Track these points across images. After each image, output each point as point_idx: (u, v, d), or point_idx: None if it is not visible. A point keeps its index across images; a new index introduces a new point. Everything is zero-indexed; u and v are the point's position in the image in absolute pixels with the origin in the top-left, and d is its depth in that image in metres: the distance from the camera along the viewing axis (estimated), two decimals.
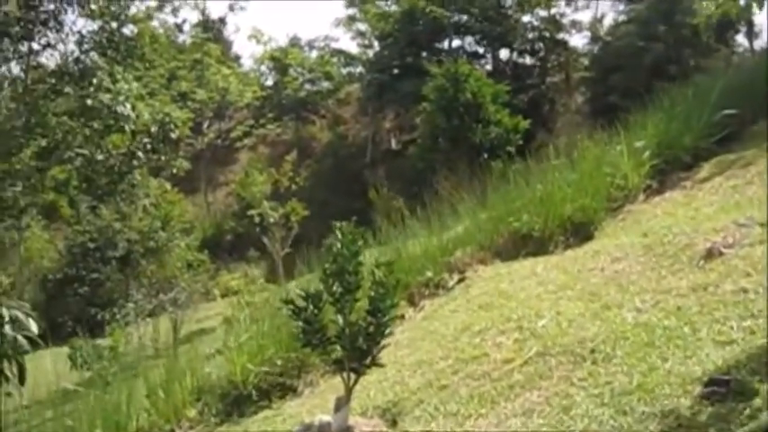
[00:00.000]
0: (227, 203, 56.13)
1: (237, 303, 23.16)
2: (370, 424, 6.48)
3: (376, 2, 58.44)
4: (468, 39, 56.80)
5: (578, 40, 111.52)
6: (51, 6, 29.17)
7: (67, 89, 29.51)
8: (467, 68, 37.38)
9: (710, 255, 7.79)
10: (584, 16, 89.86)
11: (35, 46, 32.04)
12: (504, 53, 56.92)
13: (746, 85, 15.48)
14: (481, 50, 56.94)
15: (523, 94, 47.74)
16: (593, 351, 6.31)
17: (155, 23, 55.81)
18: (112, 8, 29.48)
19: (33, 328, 15.03)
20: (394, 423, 6.53)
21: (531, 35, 55.91)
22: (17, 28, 30.77)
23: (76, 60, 30.51)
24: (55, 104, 30.84)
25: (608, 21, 55.45)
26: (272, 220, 32.98)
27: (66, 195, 34.96)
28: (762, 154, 11.52)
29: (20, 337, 14.72)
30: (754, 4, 11.36)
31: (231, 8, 71.65)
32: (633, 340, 6.28)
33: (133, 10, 30.94)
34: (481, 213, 12.78)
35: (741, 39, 49.00)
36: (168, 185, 38.32)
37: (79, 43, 31.03)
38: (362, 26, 60.79)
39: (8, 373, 14.80)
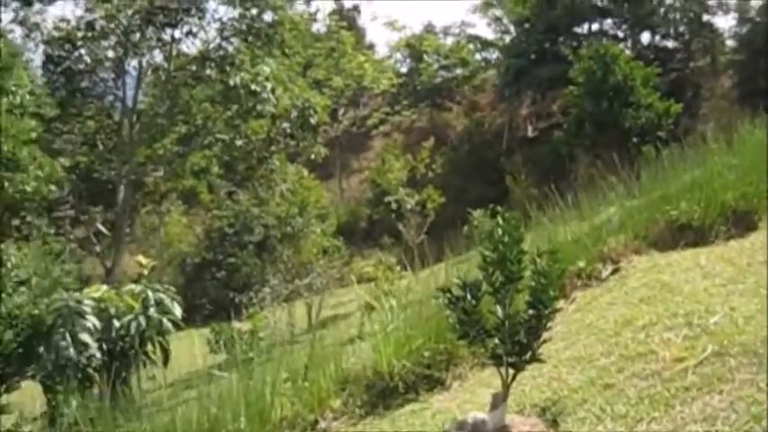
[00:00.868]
0: (360, 190, 56.31)
1: (375, 290, 22.99)
2: (528, 423, 6.02)
3: None
4: (608, 22, 55.30)
5: (725, 22, 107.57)
6: None
7: (209, 73, 30.06)
8: (616, 50, 36.25)
9: None
10: None
11: (177, 34, 32.83)
12: (645, 37, 55.25)
13: None
14: (621, 34, 55.28)
15: (666, 79, 46.09)
16: None
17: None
18: None
19: (177, 311, 15.16)
20: (554, 423, 6.05)
21: (674, 17, 53.99)
22: (161, 16, 31.48)
23: (218, 47, 31.10)
24: (196, 91, 31.44)
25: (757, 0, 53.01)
26: (408, 206, 32.78)
27: (206, 181, 35.60)
28: None
29: (165, 320, 14.92)
30: None
31: None
32: None
33: None
34: (633, 200, 12.11)
35: None
36: (305, 171, 38.60)
37: (220, 30, 31.62)
38: (499, 12, 60.02)
39: (152, 356, 15.02)
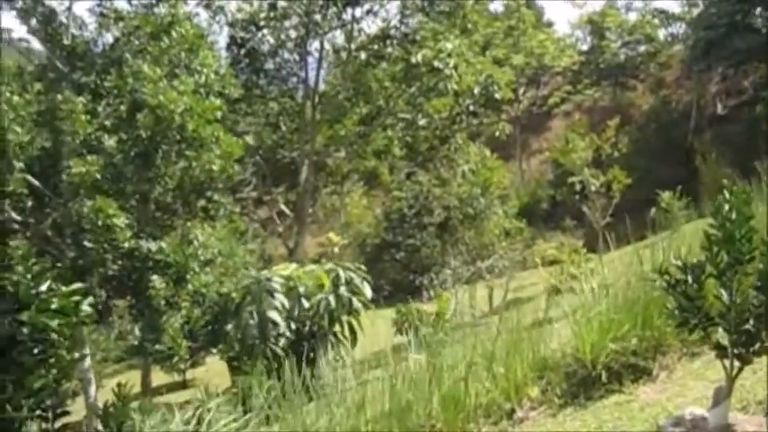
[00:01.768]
0: (541, 171, 55.25)
1: (559, 273, 22.29)
2: (754, 422, 5.40)
3: None
4: None
5: None
6: None
7: (390, 51, 29.97)
8: None
9: None
10: None
11: (358, 13, 32.87)
12: None
13: None
14: None
15: None
16: None
17: None
18: None
19: (367, 291, 15.03)
20: None
21: None
22: None
23: (399, 24, 30.95)
24: (377, 70, 31.44)
25: None
26: (592, 188, 31.70)
27: (387, 161, 35.65)
28: None
29: (355, 300, 14.86)
30: None
31: None
32: None
33: None
34: None
35: None
36: (487, 151, 38.10)
37: (401, 7, 31.43)
38: None
39: (340, 336, 14.99)
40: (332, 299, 14.10)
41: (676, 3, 59.92)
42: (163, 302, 20.20)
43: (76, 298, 4.65)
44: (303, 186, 32.51)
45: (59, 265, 19.66)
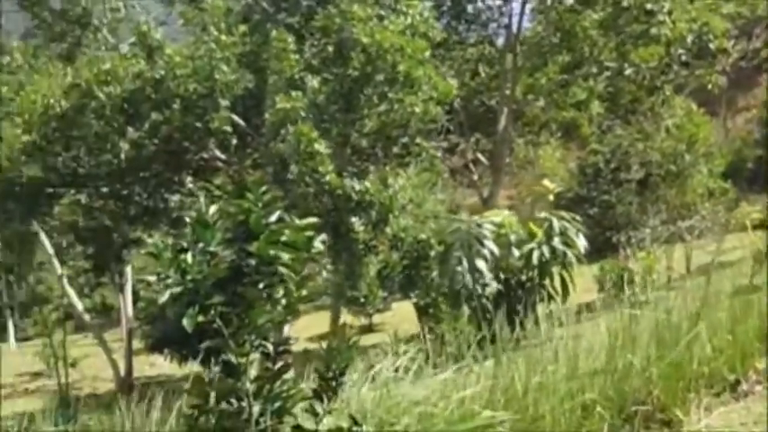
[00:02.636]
0: (747, 129, 52.19)
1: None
2: None
3: None
4: None
5: None
6: None
7: None
8: None
9: None
10: None
11: None
12: None
13: None
14: None
15: None
16: None
17: None
18: None
19: (581, 243, 14.31)
20: None
21: None
22: None
23: None
24: (583, 15, 30.10)
25: None
26: None
27: (587, 113, 34.26)
28: None
29: (569, 253, 14.13)
30: None
31: None
32: None
33: None
34: None
35: None
36: (694, 105, 36.10)
37: None
38: None
39: (550, 289, 14.32)
40: (545, 249, 13.34)
41: None
42: (361, 246, 20.10)
43: (309, 233, 4.28)
44: (501, 135, 31.73)
45: None
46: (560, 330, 9.29)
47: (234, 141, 23.58)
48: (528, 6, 32.87)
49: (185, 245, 4.16)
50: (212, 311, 4.13)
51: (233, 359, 4.20)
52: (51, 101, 22.73)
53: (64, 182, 24.75)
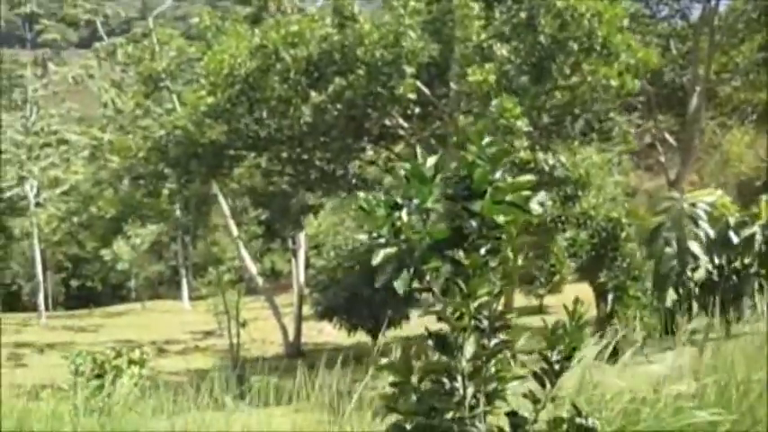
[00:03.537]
0: None
1: None
2: None
3: None
4: None
5: None
6: None
7: None
8: None
9: None
10: None
11: None
12: None
13: None
14: None
15: None
16: None
17: None
18: None
19: None
20: None
21: None
22: None
23: None
24: None
25: None
26: None
27: None
28: None
29: None
30: None
31: None
32: None
33: None
34: None
35: None
36: None
37: None
38: None
39: None
40: None
41: None
42: (549, 221, 19.23)
43: (526, 192, 3.59)
44: (692, 115, 29.99)
45: None
46: None
47: (416, 110, 23.06)
48: None
49: (399, 201, 3.56)
50: (428, 277, 3.57)
51: (449, 335, 3.62)
52: (238, 61, 22.71)
53: (245, 144, 24.83)
